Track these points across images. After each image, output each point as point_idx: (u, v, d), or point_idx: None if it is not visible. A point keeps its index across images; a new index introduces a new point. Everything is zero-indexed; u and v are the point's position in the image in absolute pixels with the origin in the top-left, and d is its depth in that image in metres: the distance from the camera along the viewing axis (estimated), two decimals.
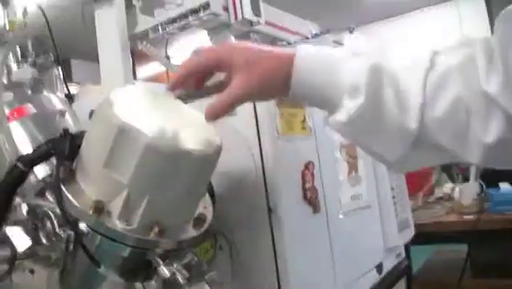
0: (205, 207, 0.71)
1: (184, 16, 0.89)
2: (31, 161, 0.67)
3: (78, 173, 0.64)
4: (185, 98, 0.69)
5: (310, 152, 0.89)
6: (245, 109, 0.79)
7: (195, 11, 0.88)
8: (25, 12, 1.16)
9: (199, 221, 0.68)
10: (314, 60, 0.58)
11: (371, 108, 0.54)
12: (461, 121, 0.53)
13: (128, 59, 0.93)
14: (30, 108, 0.84)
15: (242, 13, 1.18)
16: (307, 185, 0.85)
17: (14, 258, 0.72)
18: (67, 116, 0.85)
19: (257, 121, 0.78)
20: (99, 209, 0.59)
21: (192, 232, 0.66)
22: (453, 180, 1.92)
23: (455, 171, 1.90)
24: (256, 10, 1.21)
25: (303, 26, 1.66)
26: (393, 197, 1.21)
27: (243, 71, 0.59)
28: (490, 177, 1.70)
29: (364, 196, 1.10)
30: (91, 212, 0.59)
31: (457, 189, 1.73)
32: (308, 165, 0.86)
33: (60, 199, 0.61)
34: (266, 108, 0.79)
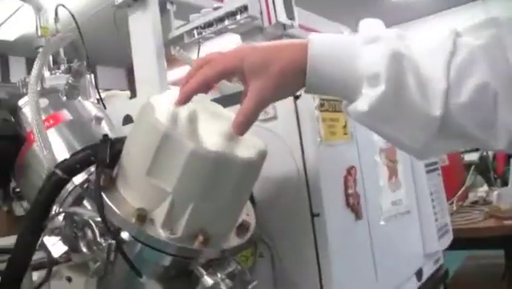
0: (247, 214, 0.68)
1: (221, 20, 0.87)
2: (70, 168, 0.65)
3: (118, 181, 0.62)
4: None
5: (351, 157, 0.86)
6: (287, 113, 0.76)
7: (232, 14, 0.86)
8: (56, 18, 1.16)
9: (242, 228, 0.65)
10: (328, 48, 0.55)
11: (393, 96, 0.52)
12: (488, 106, 0.50)
13: (163, 64, 0.91)
14: (66, 115, 0.83)
15: (276, 16, 1.16)
16: (350, 191, 0.82)
17: (51, 264, 0.71)
18: (103, 123, 0.84)
19: (299, 126, 0.75)
20: (142, 217, 0.57)
21: (235, 240, 0.64)
22: (490, 183, 1.86)
23: (492, 174, 1.84)
24: (290, 14, 1.19)
25: (334, 29, 1.64)
26: (432, 200, 1.16)
27: (257, 74, 0.56)
28: None
29: (404, 201, 1.06)
30: (133, 220, 0.57)
31: (494, 193, 1.67)
32: (350, 170, 0.83)
33: (101, 207, 0.59)
34: (308, 113, 0.76)
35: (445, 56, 0.51)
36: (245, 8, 0.84)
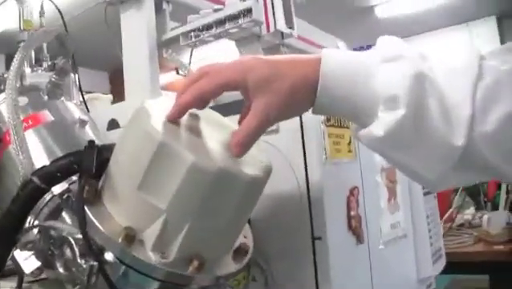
0: (244, 236, 0.62)
1: (221, 23, 0.81)
2: (50, 176, 0.58)
3: (104, 194, 0.56)
4: None
5: (355, 177, 0.80)
6: (290, 127, 0.70)
7: (234, 18, 0.80)
8: (42, 11, 1.09)
9: (240, 252, 0.59)
10: (343, 65, 0.51)
11: (413, 121, 0.47)
12: None
13: (155, 67, 0.85)
14: (47, 116, 0.75)
15: (275, 24, 1.11)
16: (352, 213, 0.76)
17: (21, 281, 0.64)
18: (88, 127, 0.77)
19: (303, 141, 0.70)
20: (130, 237, 0.50)
21: (232, 265, 0.57)
22: (479, 207, 1.83)
23: (482, 198, 1.82)
24: (289, 22, 1.14)
25: (331, 42, 1.60)
26: (428, 224, 1.12)
27: (262, 91, 0.51)
28: None
29: (402, 224, 1.01)
30: (120, 240, 0.50)
31: (484, 217, 1.64)
32: (353, 191, 0.78)
33: (83, 223, 0.52)
34: (314, 127, 0.70)
35: (471, 80, 0.47)
36: (248, 11, 0.78)
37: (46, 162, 0.66)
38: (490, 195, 1.72)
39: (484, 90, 0.46)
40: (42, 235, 0.60)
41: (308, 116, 0.70)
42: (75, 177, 0.60)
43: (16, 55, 0.68)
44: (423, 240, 1.10)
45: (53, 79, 0.78)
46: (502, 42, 4.96)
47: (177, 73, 1.18)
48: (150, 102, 0.56)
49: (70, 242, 0.54)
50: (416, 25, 4.95)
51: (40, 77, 0.81)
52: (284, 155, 0.71)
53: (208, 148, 0.52)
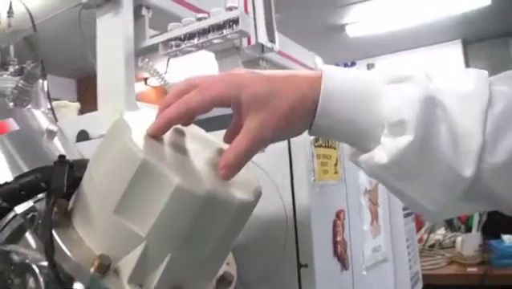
0: (227, 263, 0.57)
1: (205, 32, 0.77)
2: (13, 194, 0.51)
3: (75, 216, 0.50)
4: None
5: (340, 199, 0.77)
6: (277, 147, 0.66)
7: (219, 28, 0.76)
8: (10, 11, 1.02)
9: (224, 282, 0.54)
10: (344, 84, 0.46)
11: (419, 149, 0.43)
12: None
13: (131, 76, 0.79)
14: (12, 124, 0.68)
15: (257, 37, 1.07)
16: (338, 238, 0.73)
17: None
18: (56, 139, 0.70)
19: (291, 162, 0.66)
20: (104, 267, 0.44)
21: None
22: (452, 229, 1.84)
23: (456, 220, 1.82)
24: (271, 36, 1.11)
25: (309, 58, 1.58)
26: (407, 247, 1.10)
27: (257, 110, 0.46)
28: (490, 228, 1.62)
29: (383, 247, 0.98)
30: (92, 269, 0.44)
31: (458, 239, 1.64)
32: (339, 214, 0.74)
33: (51, 249, 0.46)
34: (303, 148, 0.66)
35: (482, 106, 0.43)
36: (234, 22, 0.74)
37: (9, 177, 0.59)
38: (463, 217, 1.73)
39: (495, 117, 0.43)
40: (1, 260, 0.53)
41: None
42: (41, 195, 0.54)
43: None
44: (402, 264, 1.08)
45: (20, 85, 0.71)
46: (467, 65, 5.11)
47: (146, 83, 1.12)
48: (130, 114, 0.51)
49: (33, 269, 0.48)
50: (383, 45, 5.04)
51: (5, 82, 0.74)
52: (269, 176, 0.67)
53: (194, 169, 0.47)
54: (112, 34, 0.81)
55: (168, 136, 0.49)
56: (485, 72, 0.47)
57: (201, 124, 0.63)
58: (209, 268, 0.51)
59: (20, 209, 0.56)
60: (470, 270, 1.51)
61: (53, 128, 0.69)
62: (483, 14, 4.38)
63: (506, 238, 1.54)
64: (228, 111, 0.55)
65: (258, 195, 0.51)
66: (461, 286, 1.48)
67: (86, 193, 0.49)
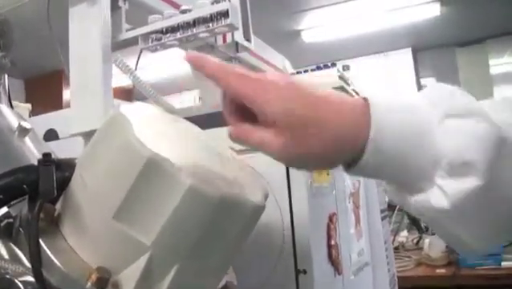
0: (227, 273, 0.53)
1: (189, 26, 0.72)
2: None
3: (64, 223, 0.44)
4: None
5: (332, 202, 0.74)
6: None
7: (205, 21, 0.71)
8: None
9: None
10: (396, 116, 0.40)
11: (486, 193, 0.38)
12: None
13: (109, 71, 0.73)
14: None
15: (233, 35, 1.03)
16: (332, 242, 0.70)
17: None
18: (27, 138, 0.63)
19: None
20: (103, 281, 0.39)
21: None
22: (420, 230, 1.87)
23: (422, 222, 1.86)
24: (247, 34, 1.07)
25: (279, 60, 1.56)
26: (386, 250, 1.09)
27: (283, 128, 0.39)
28: None
29: (365, 251, 0.97)
30: (89, 284, 0.39)
31: (426, 241, 1.67)
32: (332, 217, 0.72)
33: (38, 261, 0.40)
34: None
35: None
36: (223, 15, 0.70)
37: None
38: None
39: None
40: None
41: None
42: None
43: None
44: (382, 267, 1.07)
45: None
46: (417, 72, 5.30)
47: None
48: (129, 108, 0.46)
49: (17, 286, 0.41)
50: (339, 51, 5.13)
51: None
52: (264, 178, 0.63)
53: (205, 168, 0.43)
54: (87, 26, 0.75)
55: (174, 133, 0.45)
56: None
57: (198, 120, 0.59)
58: (216, 277, 0.46)
59: None
60: (439, 271, 1.53)
61: (26, 125, 0.62)
62: (432, 24, 4.55)
63: None
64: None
65: (267, 197, 0.47)
66: (431, 287, 1.50)
67: (77, 196, 0.43)
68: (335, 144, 0.39)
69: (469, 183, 0.37)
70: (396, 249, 1.87)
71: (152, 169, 0.39)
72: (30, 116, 1.94)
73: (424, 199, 0.39)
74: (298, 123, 0.39)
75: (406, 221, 1.95)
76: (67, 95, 4.23)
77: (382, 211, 1.10)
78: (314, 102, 0.40)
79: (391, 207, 2.03)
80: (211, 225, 0.40)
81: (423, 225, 1.84)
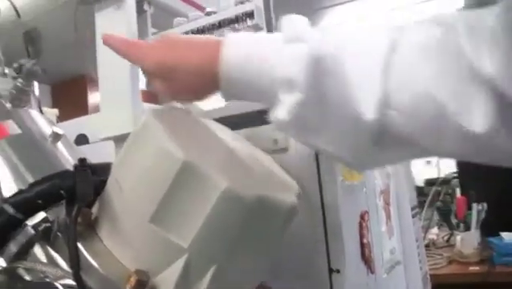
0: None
1: (214, 27, 0.72)
2: (28, 204, 0.46)
3: (101, 227, 0.45)
4: None
5: (363, 200, 0.73)
6: (302, 148, 0.63)
7: (231, 22, 0.71)
8: None
9: None
10: (245, 50, 0.48)
11: (316, 104, 0.44)
12: (435, 110, 0.41)
13: (136, 75, 0.74)
14: (12, 127, 0.63)
15: None
16: (364, 241, 0.69)
17: None
18: (59, 143, 0.64)
19: (317, 162, 0.62)
20: (142, 283, 0.40)
21: None
22: (451, 227, 1.83)
23: (453, 218, 1.82)
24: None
25: None
26: (417, 247, 1.07)
27: (157, 78, 0.51)
28: (488, 226, 1.63)
29: (397, 249, 0.95)
30: (128, 287, 0.39)
31: (458, 238, 1.63)
32: (364, 216, 0.71)
33: (77, 264, 0.41)
34: None
35: (383, 55, 0.43)
36: (248, 15, 0.70)
37: (13, 185, 0.54)
38: (460, 215, 1.72)
39: (397, 64, 0.42)
40: (6, 280, 0.48)
41: None
42: None
43: None
44: (414, 265, 1.05)
45: (19, 84, 0.66)
46: None
47: None
48: (157, 113, 0.46)
49: None
50: None
51: (4, 83, 0.68)
52: (295, 177, 0.63)
53: (238, 170, 0.43)
54: (114, 31, 0.75)
55: (205, 136, 0.45)
56: (396, 21, 0.46)
57: (224, 121, 0.59)
58: (253, 279, 0.46)
59: (30, 219, 0.51)
60: (472, 268, 1.50)
61: (59, 131, 0.63)
62: None
63: (505, 235, 1.54)
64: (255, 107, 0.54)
65: (299, 197, 0.47)
66: (464, 285, 1.47)
67: (113, 200, 0.44)
68: (196, 78, 0.49)
69: (295, 97, 0.44)
70: (426, 246, 1.84)
71: (188, 173, 0.39)
72: (57, 121, 1.99)
73: (274, 114, 0.46)
74: (166, 72, 0.50)
75: (436, 217, 1.91)
76: (92, 99, 4.30)
77: (412, 208, 1.08)
78: (178, 50, 0.51)
79: (421, 203, 2.01)
80: (246, 227, 0.40)
81: (454, 221, 1.80)
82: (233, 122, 0.65)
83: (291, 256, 0.63)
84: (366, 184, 0.77)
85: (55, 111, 2.05)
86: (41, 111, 0.94)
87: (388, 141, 0.44)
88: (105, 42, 0.56)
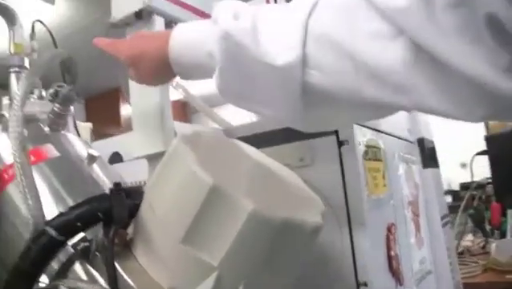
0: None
1: None
2: (68, 226, 0.49)
3: (136, 247, 0.47)
4: None
5: (390, 213, 0.74)
6: (327, 161, 0.64)
7: None
8: (33, 34, 1.00)
9: None
10: (186, 36, 0.60)
11: (234, 71, 0.51)
12: (350, 75, 0.45)
13: (167, 95, 0.77)
14: (51, 151, 0.66)
15: None
16: (392, 253, 0.70)
17: None
18: (95, 164, 0.68)
19: (343, 177, 0.63)
20: None
21: None
22: (485, 234, 1.80)
23: (487, 225, 1.79)
24: None
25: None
26: (448, 257, 1.06)
27: (130, 67, 0.65)
28: None
29: (427, 259, 0.95)
30: None
31: (493, 245, 1.60)
32: (391, 228, 0.72)
33: (114, 282, 0.43)
34: (354, 161, 0.64)
35: (302, 20, 0.47)
36: None
37: (53, 207, 0.57)
38: (495, 222, 1.69)
39: (314, 25, 0.47)
40: None
41: (348, 150, 0.64)
42: None
43: (20, 84, 0.59)
44: (445, 274, 1.05)
45: (56, 109, 0.69)
46: None
47: None
48: (186, 137, 0.48)
49: None
50: None
51: (33, 106, 0.72)
52: (320, 191, 0.64)
53: (264, 192, 0.45)
54: None
55: (232, 158, 0.47)
56: None
57: (250, 140, 0.61)
58: None
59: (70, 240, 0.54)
60: (509, 276, 1.46)
61: (94, 153, 0.66)
62: None
63: None
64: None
65: (324, 216, 0.48)
66: None
67: (146, 222, 0.47)
68: (156, 64, 0.61)
69: (217, 67, 0.52)
70: (461, 254, 1.80)
71: (216, 196, 0.41)
72: (91, 135, 2.04)
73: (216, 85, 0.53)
74: (135, 61, 0.64)
75: (470, 224, 1.88)
76: (124, 111, 4.41)
77: (442, 218, 1.08)
78: (142, 43, 0.64)
79: (453, 208, 1.97)
80: (273, 246, 0.42)
81: (488, 227, 1.77)
82: (261, 140, 0.67)
83: (319, 270, 0.64)
84: (393, 196, 0.78)
85: (89, 125, 2.12)
86: (75, 127, 0.99)
87: (314, 99, 0.48)
88: (95, 45, 0.69)
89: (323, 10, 0.47)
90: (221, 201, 0.41)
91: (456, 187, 2.78)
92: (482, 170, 2.41)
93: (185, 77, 0.63)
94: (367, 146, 0.67)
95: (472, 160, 2.04)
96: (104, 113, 4.27)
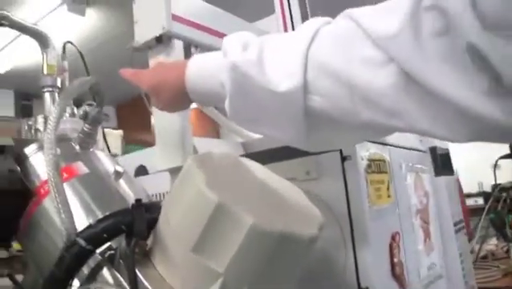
0: None
1: None
2: (96, 238, 0.56)
3: (155, 256, 0.54)
4: None
5: (395, 222, 0.78)
6: (331, 174, 0.69)
7: None
8: (63, 55, 1.08)
9: None
10: (202, 66, 0.65)
11: (242, 99, 0.57)
12: (346, 98, 0.49)
13: (186, 114, 0.84)
14: (82, 168, 0.74)
15: None
16: (395, 260, 0.74)
17: None
18: (121, 179, 0.75)
19: (346, 189, 0.68)
20: None
21: None
22: (506, 239, 1.80)
23: (508, 229, 1.78)
24: None
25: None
26: (461, 262, 1.09)
27: (151, 95, 0.72)
28: None
29: (437, 264, 0.98)
30: None
31: None
32: (395, 236, 0.76)
33: (135, 287, 0.50)
34: (357, 175, 0.69)
35: (303, 48, 0.51)
36: None
37: (84, 219, 0.64)
38: None
39: (315, 51, 0.51)
40: None
41: (351, 164, 0.69)
42: None
43: (55, 108, 0.66)
44: (457, 279, 1.08)
45: (86, 129, 0.77)
46: None
47: None
48: (198, 158, 0.55)
49: None
50: None
51: (73, 124, 0.80)
52: (325, 203, 0.70)
53: (264, 206, 0.51)
54: None
55: (237, 177, 0.53)
56: (323, 19, 0.54)
57: (261, 155, 0.67)
58: None
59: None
60: None
61: (120, 169, 0.73)
62: None
63: None
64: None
65: (321, 228, 0.53)
66: None
67: (163, 234, 0.53)
68: (174, 93, 0.68)
69: (227, 96, 0.57)
70: (484, 258, 1.81)
71: (221, 212, 0.47)
72: (122, 141, 2.12)
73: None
74: (154, 90, 0.71)
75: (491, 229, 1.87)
76: None
77: (455, 224, 1.11)
78: (161, 73, 0.70)
79: (476, 211, 1.97)
80: (273, 255, 0.48)
81: (510, 232, 1.76)
82: (271, 155, 0.73)
83: (323, 275, 0.69)
84: (399, 205, 0.82)
85: (120, 132, 2.21)
86: (108, 148, 1.06)
87: (317, 121, 0.53)
88: (121, 75, 0.76)
89: (323, 39, 0.52)
90: (226, 216, 0.47)
91: (488, 188, 2.76)
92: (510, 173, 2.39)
93: (201, 104, 0.71)
94: (371, 160, 0.72)
95: (496, 164, 2.03)
96: (135, 119, 4.40)
